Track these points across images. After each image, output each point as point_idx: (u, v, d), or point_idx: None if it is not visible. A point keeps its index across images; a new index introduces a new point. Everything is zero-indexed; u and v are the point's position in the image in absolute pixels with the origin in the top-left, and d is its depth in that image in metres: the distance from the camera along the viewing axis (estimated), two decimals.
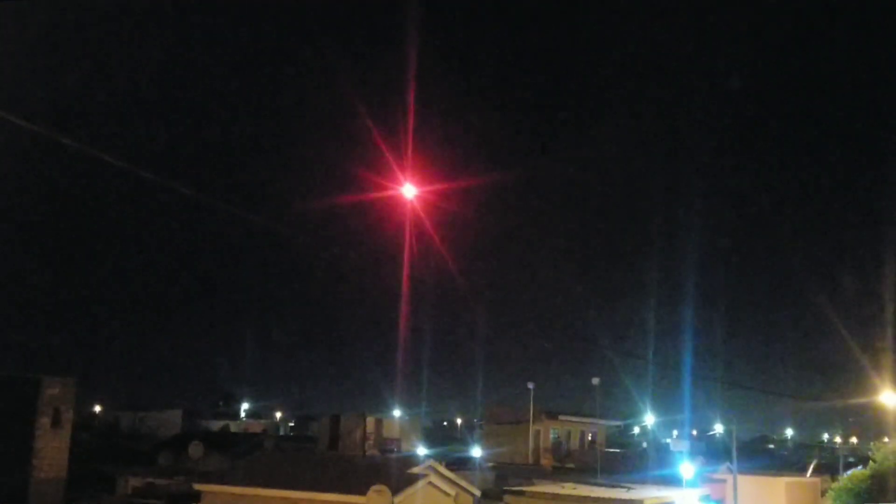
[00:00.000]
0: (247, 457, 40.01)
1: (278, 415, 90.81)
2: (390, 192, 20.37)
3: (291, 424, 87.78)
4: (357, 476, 29.77)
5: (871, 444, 36.62)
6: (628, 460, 55.15)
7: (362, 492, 27.92)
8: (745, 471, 44.81)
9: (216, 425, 74.17)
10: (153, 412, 74.04)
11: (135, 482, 37.04)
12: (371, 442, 43.66)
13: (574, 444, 67.87)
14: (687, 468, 42.33)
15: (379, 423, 45.85)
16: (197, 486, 31.71)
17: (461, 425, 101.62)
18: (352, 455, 38.44)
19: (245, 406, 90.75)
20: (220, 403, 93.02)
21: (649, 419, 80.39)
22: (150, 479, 37.16)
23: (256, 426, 77.31)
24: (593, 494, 37.99)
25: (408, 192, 19.87)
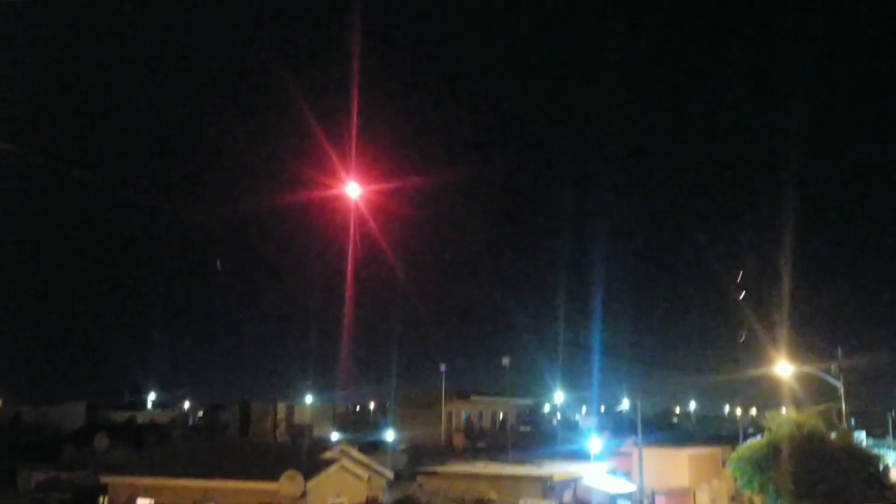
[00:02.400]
0: (154, 447, 39.31)
1: (186, 405, 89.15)
2: (335, 191, 20.81)
3: (200, 414, 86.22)
4: (269, 462, 29.59)
5: (767, 413, 38.16)
6: (539, 438, 56.21)
7: (274, 478, 27.77)
8: (649, 443, 46.17)
9: (121, 417, 72.32)
10: (55, 405, 71.84)
11: (38, 476, 35.91)
12: (282, 429, 43.37)
13: (486, 423, 68.73)
14: (595, 443, 43.43)
15: (290, 409, 45.58)
16: (104, 479, 31.03)
17: (374, 409, 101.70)
18: (263, 442, 38.16)
19: (151, 397, 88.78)
20: (126, 395, 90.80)
21: (559, 397, 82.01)
22: (54, 473, 36.10)
23: (164, 417, 75.72)
24: (504, 472, 38.68)
25: (352, 192, 20.42)
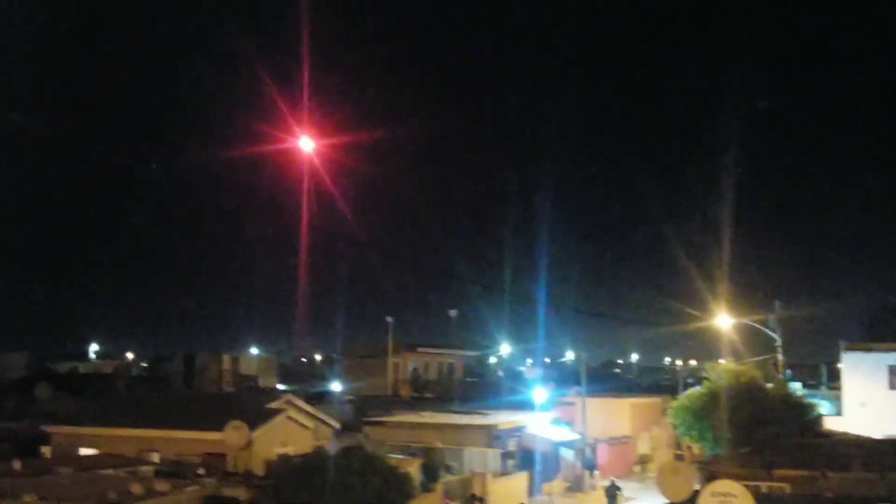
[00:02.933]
0: (98, 398, 38.94)
1: (130, 356, 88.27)
2: (288, 145, 20.67)
3: (144, 365, 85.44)
4: (214, 413, 29.50)
5: (707, 364, 39.09)
6: (485, 388, 56.87)
7: (219, 428, 27.70)
8: (593, 393, 47.08)
9: (64, 367, 71.37)
10: None
11: None
12: (228, 379, 43.23)
13: (432, 375, 69.29)
14: (539, 393, 44.15)
15: (235, 360, 45.40)
16: (46, 429, 30.69)
17: (320, 361, 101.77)
18: (208, 392, 38.03)
19: (94, 347, 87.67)
20: (69, 345, 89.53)
21: (505, 349, 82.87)
22: None
23: (107, 367, 74.88)
24: (450, 422, 39.14)
25: (305, 145, 20.34)
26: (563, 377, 59.17)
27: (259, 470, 26.80)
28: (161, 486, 22.29)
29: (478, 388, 56.81)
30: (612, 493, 34.31)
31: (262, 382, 47.59)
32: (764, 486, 18.84)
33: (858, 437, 30.55)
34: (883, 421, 39.08)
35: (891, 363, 42.93)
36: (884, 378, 42.78)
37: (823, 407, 43.95)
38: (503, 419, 39.31)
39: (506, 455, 36.84)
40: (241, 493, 22.73)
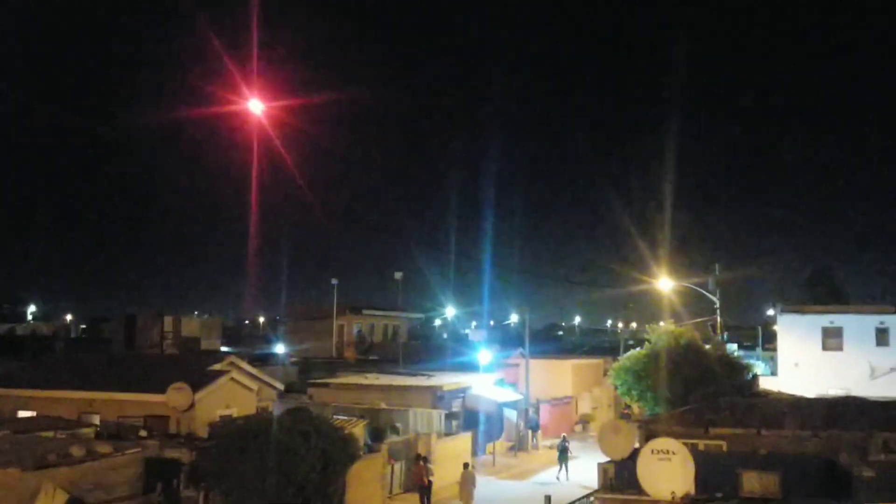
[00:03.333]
0: (36, 359, 38.18)
1: (69, 317, 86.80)
2: (237, 107, 20.49)
3: (83, 327, 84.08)
4: (155, 374, 29.20)
5: (648, 326, 39.76)
6: (429, 351, 57.13)
7: (161, 390, 27.44)
8: (536, 355, 47.65)
9: (1, 329, 69.90)
10: None
11: None
12: (169, 341, 42.71)
13: (377, 337, 69.40)
14: (484, 355, 44.51)
15: (177, 321, 44.79)
16: None
17: (264, 323, 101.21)
18: (149, 354, 37.54)
19: (32, 309, 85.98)
20: (6, 307, 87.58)
21: (449, 311, 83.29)
22: None
23: (46, 329, 73.50)
24: (395, 383, 39.33)
25: (255, 108, 20.23)
26: (507, 339, 59.73)
27: (202, 432, 26.62)
28: (102, 448, 22.02)
29: (422, 351, 57.02)
30: (563, 447, 35.01)
31: (204, 344, 47.08)
32: (701, 443, 19.29)
33: (792, 396, 31.43)
34: (816, 380, 40.35)
35: (824, 325, 44.17)
36: (817, 339, 44.03)
37: (759, 367, 45.21)
38: (448, 381, 39.60)
39: (450, 416, 37.18)
40: (183, 454, 22.56)
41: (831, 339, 43.72)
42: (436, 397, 37.06)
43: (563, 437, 36.44)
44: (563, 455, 34.84)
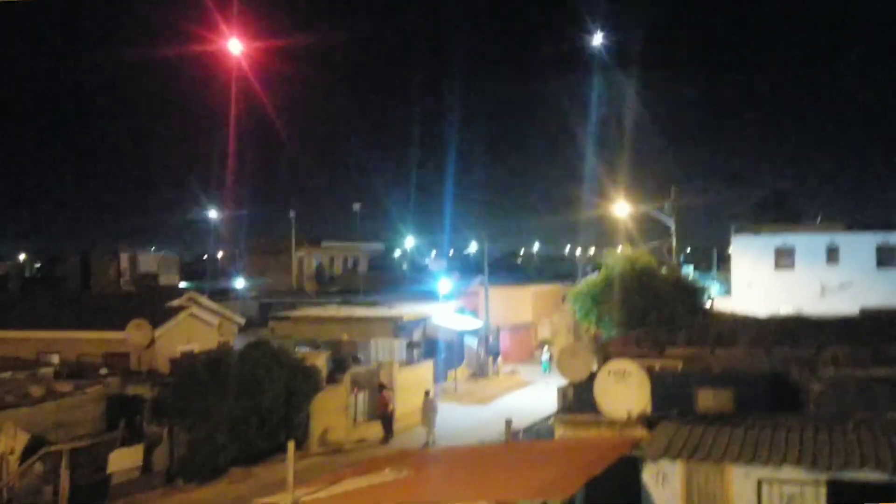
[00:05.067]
0: None
1: (22, 256, 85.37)
2: (217, 47, 20.36)
3: (38, 265, 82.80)
4: (114, 312, 29.01)
5: (605, 252, 40.16)
6: (390, 281, 57.27)
7: (121, 327, 27.33)
8: (496, 283, 48.05)
9: None
10: None
11: None
12: (126, 278, 42.25)
13: (337, 269, 69.35)
14: (444, 284, 44.76)
15: (133, 258, 44.24)
16: None
17: (222, 258, 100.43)
18: (107, 292, 37.16)
19: None
20: None
21: (409, 241, 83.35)
22: None
23: None
24: (356, 314, 39.47)
25: (234, 48, 20.17)
26: (467, 268, 60.04)
27: (164, 368, 26.66)
28: (62, 387, 21.99)
29: (383, 281, 57.13)
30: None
31: (162, 280, 46.65)
32: (657, 364, 19.67)
33: (746, 315, 32.14)
34: (769, 299, 41.27)
35: (777, 245, 45.03)
36: (770, 259, 44.92)
37: (714, 289, 46.02)
38: (408, 310, 39.85)
39: (411, 345, 37.52)
40: (145, 391, 22.61)
41: (783, 258, 44.67)
42: (397, 327, 37.32)
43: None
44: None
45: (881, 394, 16.07)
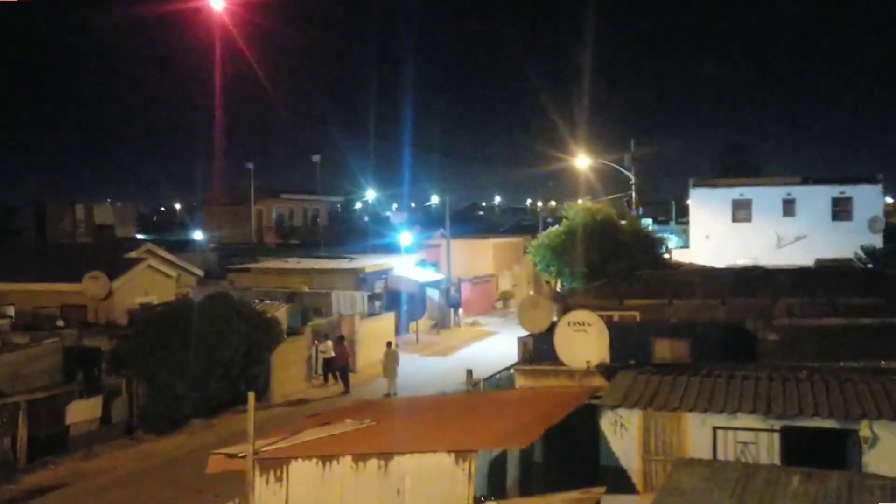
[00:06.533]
0: None
1: None
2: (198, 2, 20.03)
3: None
4: (70, 264, 28.57)
5: (566, 204, 40.26)
6: (351, 234, 57.07)
7: (77, 279, 26.96)
8: (457, 235, 48.12)
9: None
10: None
11: None
12: (82, 230, 41.64)
13: (297, 221, 68.90)
14: (405, 237, 44.69)
15: (89, 210, 43.57)
16: None
17: (180, 210, 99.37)
18: (63, 244, 36.61)
19: None
20: None
21: (370, 194, 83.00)
22: None
23: None
24: (317, 266, 39.33)
25: (215, 3, 19.91)
26: (429, 221, 60.01)
27: (122, 320, 26.38)
28: (18, 338, 21.72)
29: (344, 234, 56.92)
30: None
31: (119, 233, 46.03)
32: (616, 314, 19.93)
33: (703, 266, 32.57)
34: (725, 251, 41.87)
35: (735, 197, 45.55)
36: (727, 211, 45.46)
37: (672, 241, 46.51)
38: (370, 263, 39.80)
39: (373, 297, 37.54)
40: (103, 342, 22.39)
41: (741, 211, 45.22)
42: (358, 279, 37.28)
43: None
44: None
45: (835, 343, 16.43)
